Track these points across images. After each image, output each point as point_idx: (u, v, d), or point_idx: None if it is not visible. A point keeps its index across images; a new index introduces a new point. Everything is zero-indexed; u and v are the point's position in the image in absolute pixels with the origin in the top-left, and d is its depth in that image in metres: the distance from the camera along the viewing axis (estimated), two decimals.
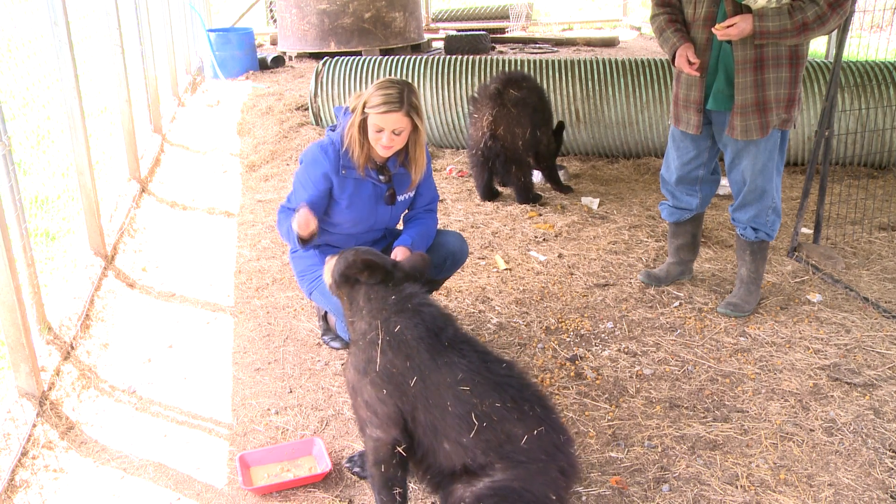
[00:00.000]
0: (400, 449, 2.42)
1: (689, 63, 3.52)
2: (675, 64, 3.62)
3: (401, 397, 2.39)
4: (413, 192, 3.42)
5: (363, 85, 6.78)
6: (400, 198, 3.36)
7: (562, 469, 2.38)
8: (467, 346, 2.48)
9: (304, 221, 3.03)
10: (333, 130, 3.29)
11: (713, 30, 3.44)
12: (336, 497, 2.72)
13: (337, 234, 3.37)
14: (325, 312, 3.62)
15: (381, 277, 2.62)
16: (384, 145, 3.11)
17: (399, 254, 3.20)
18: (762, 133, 3.51)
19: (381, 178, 3.27)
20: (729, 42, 3.47)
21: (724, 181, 5.08)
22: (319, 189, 3.22)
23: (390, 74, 6.75)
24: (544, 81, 6.31)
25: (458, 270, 4.39)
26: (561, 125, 5.74)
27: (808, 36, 3.38)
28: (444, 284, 4.21)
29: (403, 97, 3.05)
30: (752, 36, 3.38)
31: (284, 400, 3.26)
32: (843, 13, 3.35)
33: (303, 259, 3.42)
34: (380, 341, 2.43)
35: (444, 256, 3.49)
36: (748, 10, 3.37)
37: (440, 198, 5.60)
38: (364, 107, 3.08)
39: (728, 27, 3.36)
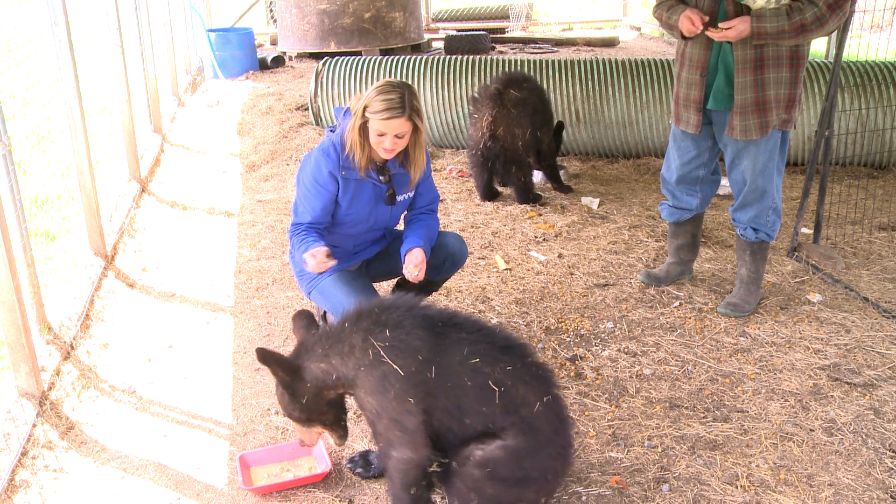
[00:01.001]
0: (431, 468, 2.40)
1: (698, 21, 3.39)
2: (680, 26, 3.48)
3: (425, 396, 2.34)
4: (412, 192, 3.42)
5: (363, 85, 6.78)
6: (399, 198, 3.36)
7: (561, 446, 2.42)
8: (459, 318, 2.48)
9: (321, 264, 3.04)
10: (333, 131, 3.29)
11: (707, 32, 3.43)
12: (336, 497, 2.72)
13: (337, 235, 3.37)
14: (325, 312, 3.62)
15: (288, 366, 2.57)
16: (386, 149, 3.11)
17: (415, 257, 3.19)
18: (762, 133, 3.51)
19: (381, 178, 3.27)
20: (729, 42, 3.47)
21: (724, 181, 5.08)
22: (330, 191, 3.20)
23: (390, 74, 6.75)
24: (544, 81, 6.31)
25: (458, 270, 4.39)
26: (560, 125, 5.74)
27: (807, 37, 3.37)
28: (445, 284, 4.22)
29: (405, 102, 3.03)
30: (749, 37, 3.38)
31: None
32: (843, 14, 3.34)
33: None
34: (383, 353, 2.36)
35: (444, 258, 3.49)
36: (748, 10, 3.37)
37: (440, 198, 5.60)
38: (364, 111, 3.06)
39: (726, 29, 3.36)
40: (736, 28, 3.34)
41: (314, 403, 2.55)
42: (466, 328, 2.44)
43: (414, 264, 3.19)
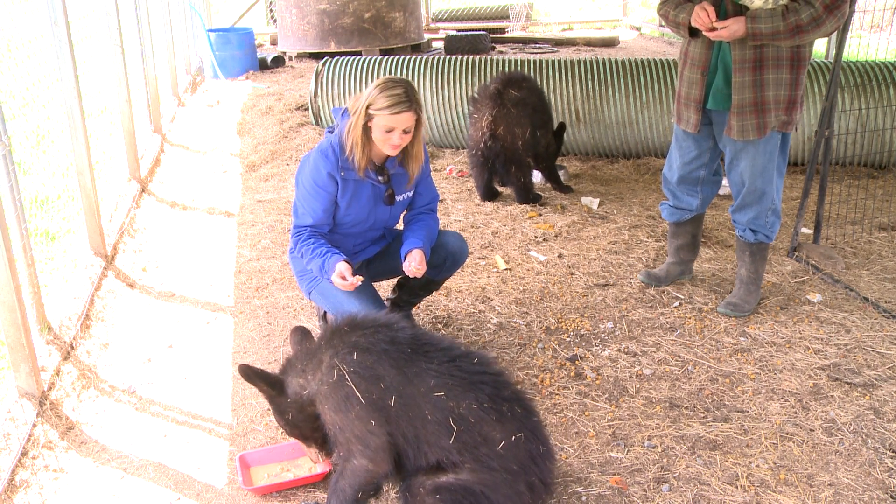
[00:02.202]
0: (384, 483, 2.43)
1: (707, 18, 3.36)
2: (693, 19, 3.44)
3: (387, 421, 2.35)
4: (412, 192, 3.42)
5: (363, 85, 6.78)
6: (399, 197, 3.36)
7: (531, 484, 2.36)
8: (431, 346, 2.44)
9: (351, 284, 3.05)
10: (332, 132, 3.28)
11: (703, 31, 3.43)
12: None
13: (336, 235, 3.37)
14: (325, 312, 3.62)
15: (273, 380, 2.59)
16: (393, 144, 3.10)
17: (415, 258, 3.19)
18: (759, 134, 3.51)
19: (380, 178, 3.26)
20: (727, 41, 3.47)
21: (724, 181, 5.08)
22: (329, 192, 3.19)
23: (390, 74, 6.75)
24: (544, 81, 6.32)
25: (458, 270, 4.39)
26: (562, 126, 5.74)
27: (804, 38, 3.34)
28: (445, 285, 4.22)
29: (410, 96, 3.04)
30: (745, 37, 3.37)
31: None
32: (841, 15, 3.32)
33: (300, 259, 3.41)
34: (347, 377, 2.37)
35: (444, 257, 3.49)
36: (747, 10, 3.37)
37: (440, 198, 5.60)
38: (367, 109, 3.05)
39: (721, 28, 3.36)
40: (729, 28, 3.33)
41: (299, 419, 2.57)
42: (437, 357, 2.40)
43: (415, 265, 3.19)
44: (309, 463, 2.89)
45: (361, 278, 3.11)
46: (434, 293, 4.08)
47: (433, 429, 2.32)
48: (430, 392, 2.34)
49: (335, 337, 2.48)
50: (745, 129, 3.51)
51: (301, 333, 2.69)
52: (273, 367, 3.50)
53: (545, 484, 2.42)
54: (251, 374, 2.54)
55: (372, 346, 2.40)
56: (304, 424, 2.58)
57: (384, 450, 2.37)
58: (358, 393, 2.34)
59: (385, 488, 2.62)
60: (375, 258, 3.54)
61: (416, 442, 2.35)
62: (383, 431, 2.35)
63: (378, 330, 2.46)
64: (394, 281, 3.76)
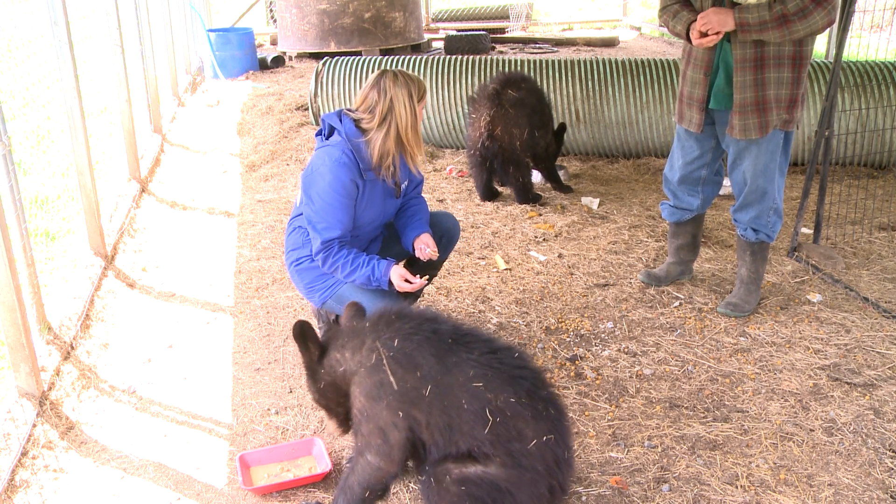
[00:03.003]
0: (392, 484, 2.44)
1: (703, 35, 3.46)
2: (691, 37, 3.53)
3: (418, 410, 2.34)
4: (407, 180, 3.42)
5: (363, 85, 6.76)
6: (402, 187, 3.39)
7: (552, 488, 2.36)
8: (472, 337, 2.45)
9: (416, 285, 3.08)
10: (328, 138, 3.23)
11: (695, 43, 3.47)
12: None
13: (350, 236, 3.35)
14: (336, 317, 3.55)
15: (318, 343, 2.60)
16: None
17: (428, 243, 3.26)
18: (761, 132, 3.51)
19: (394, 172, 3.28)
20: (729, 40, 3.47)
21: (725, 181, 5.07)
22: (353, 198, 3.18)
23: None
24: (544, 82, 6.32)
25: (459, 270, 4.39)
26: (562, 126, 5.74)
27: (792, 28, 3.31)
28: (445, 285, 4.22)
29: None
30: (735, 30, 3.37)
31: (284, 400, 3.26)
32: (832, 9, 3.30)
33: (309, 270, 3.34)
34: (385, 362, 2.37)
35: (440, 234, 3.51)
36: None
37: (440, 198, 5.60)
38: (412, 111, 3.14)
39: (709, 31, 3.38)
40: (710, 20, 3.35)
41: (330, 392, 2.58)
42: (478, 349, 2.40)
43: (429, 251, 3.26)
44: (309, 463, 2.90)
45: (427, 277, 3.14)
46: (434, 293, 4.09)
47: (468, 418, 2.32)
48: (469, 382, 2.33)
49: (381, 322, 2.47)
50: (747, 128, 3.51)
51: (355, 309, 2.67)
52: (272, 367, 3.51)
53: (563, 490, 2.42)
54: (303, 334, 2.55)
55: (414, 335, 2.41)
56: (332, 397, 2.60)
57: (400, 447, 2.37)
58: (392, 379, 2.34)
59: (392, 490, 2.62)
60: (380, 252, 3.54)
61: (449, 431, 2.34)
62: (405, 426, 2.35)
63: (423, 321, 2.47)
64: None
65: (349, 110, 3.24)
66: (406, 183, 3.40)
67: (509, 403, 2.31)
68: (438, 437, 2.35)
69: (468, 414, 2.31)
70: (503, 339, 2.67)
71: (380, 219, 3.37)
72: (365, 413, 2.41)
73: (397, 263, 3.16)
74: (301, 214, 3.31)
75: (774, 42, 3.39)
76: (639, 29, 14.52)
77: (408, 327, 2.43)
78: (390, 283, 3.11)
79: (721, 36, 3.41)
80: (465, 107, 6.28)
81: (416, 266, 3.53)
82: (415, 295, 3.67)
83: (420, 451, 2.42)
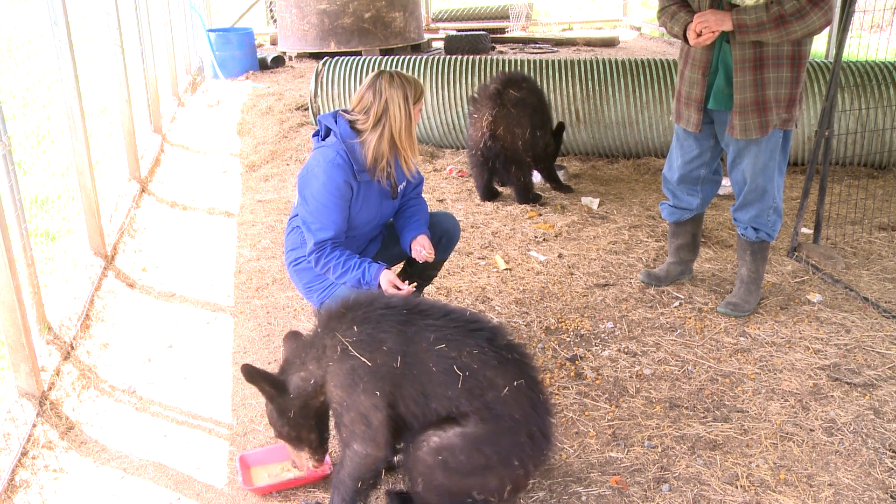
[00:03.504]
0: (383, 469, 2.46)
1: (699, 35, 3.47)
2: (688, 37, 3.53)
3: (392, 387, 2.38)
4: (405, 181, 3.42)
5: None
6: (399, 188, 3.38)
7: (531, 434, 2.38)
8: (424, 304, 2.51)
9: (407, 291, 3.06)
10: (324, 139, 3.23)
11: (692, 43, 3.48)
12: None
13: (346, 238, 3.35)
14: None
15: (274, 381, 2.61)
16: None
17: (424, 244, 3.25)
18: (762, 132, 3.51)
19: (389, 173, 3.28)
20: (728, 41, 3.48)
21: (724, 181, 5.08)
22: (347, 200, 3.18)
23: None
24: (544, 81, 6.31)
25: (459, 270, 4.39)
26: (561, 126, 5.74)
27: (790, 29, 3.31)
28: (445, 285, 4.22)
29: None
30: (733, 31, 3.38)
31: None
32: (827, 8, 3.30)
33: (307, 271, 3.34)
34: (350, 348, 2.40)
35: (439, 235, 3.51)
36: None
37: (440, 198, 5.60)
38: (407, 113, 3.11)
39: (705, 30, 3.39)
40: (707, 20, 3.37)
41: (301, 417, 2.59)
42: (433, 314, 2.45)
43: (425, 252, 3.25)
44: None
45: (415, 285, 3.12)
46: (433, 294, 4.08)
47: (440, 380, 2.35)
48: (432, 346, 2.37)
49: (332, 321, 2.51)
50: (747, 128, 3.51)
51: (293, 336, 2.71)
52: (273, 368, 3.50)
53: (545, 436, 2.44)
54: (253, 374, 2.55)
55: (369, 316, 2.45)
56: (304, 422, 2.60)
57: (384, 428, 2.39)
58: (363, 359, 2.38)
59: (384, 477, 2.62)
60: (378, 254, 3.54)
61: (424, 399, 2.37)
62: (385, 404, 2.38)
63: (372, 301, 2.51)
64: (397, 268, 3.75)
65: (345, 111, 3.23)
66: (404, 184, 3.40)
67: (474, 355, 2.36)
68: (416, 409, 2.39)
69: (438, 376, 2.35)
70: (453, 304, 2.70)
71: (376, 220, 3.36)
72: (344, 404, 2.43)
73: (389, 267, 3.15)
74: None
75: (773, 42, 3.39)
76: (639, 29, 14.52)
77: (361, 313, 2.46)
78: (380, 286, 3.11)
79: (717, 34, 3.42)
80: (466, 107, 6.28)
81: (415, 267, 3.53)
82: (430, 275, 3.68)
83: (403, 429, 2.44)
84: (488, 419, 2.32)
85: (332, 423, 2.62)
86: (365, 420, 2.40)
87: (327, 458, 2.84)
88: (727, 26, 3.36)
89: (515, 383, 2.36)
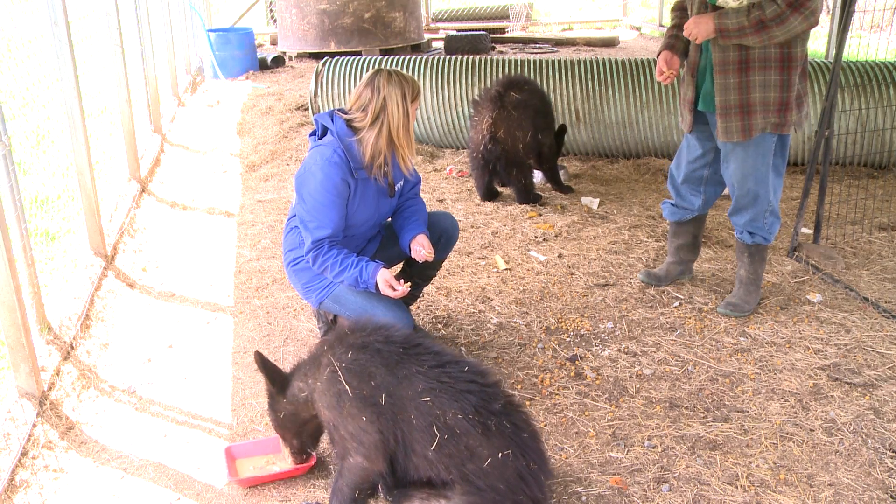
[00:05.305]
0: (380, 484, 2.46)
1: (662, 72, 3.65)
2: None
3: (379, 419, 2.35)
4: (402, 180, 3.42)
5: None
6: (396, 187, 3.38)
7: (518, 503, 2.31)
8: (423, 349, 2.45)
9: (403, 292, 3.07)
10: (322, 138, 3.22)
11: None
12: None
13: (344, 237, 3.35)
14: (335, 316, 3.54)
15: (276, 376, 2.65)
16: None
17: (423, 244, 3.25)
18: (744, 136, 3.50)
19: (386, 171, 3.27)
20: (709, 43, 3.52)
21: None
22: (345, 198, 3.17)
23: None
24: (544, 82, 6.31)
25: (459, 270, 4.39)
26: (563, 128, 5.74)
27: (771, 34, 3.31)
28: (445, 285, 4.22)
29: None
30: (716, 36, 3.39)
31: None
32: (808, 13, 3.27)
33: (306, 270, 3.34)
34: (339, 372, 2.41)
35: (438, 234, 3.51)
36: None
37: (440, 198, 5.60)
38: (404, 111, 3.11)
39: (686, 32, 3.45)
40: (690, 31, 3.43)
41: (289, 422, 2.65)
42: (429, 361, 2.39)
43: (425, 252, 3.25)
44: None
45: (409, 285, 3.12)
46: (433, 293, 4.08)
47: (418, 436, 2.31)
48: (418, 396, 2.32)
49: (337, 340, 2.53)
50: (728, 130, 3.52)
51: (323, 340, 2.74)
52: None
53: (536, 502, 2.37)
54: (261, 364, 2.62)
55: (367, 345, 2.44)
56: (292, 426, 2.67)
57: (377, 447, 2.38)
58: (348, 388, 2.37)
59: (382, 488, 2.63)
60: (376, 254, 3.54)
61: (404, 447, 2.36)
62: (375, 429, 2.36)
63: (375, 331, 2.50)
64: (397, 268, 3.75)
65: (341, 111, 3.24)
66: (402, 183, 3.40)
67: (457, 420, 2.28)
68: (397, 451, 2.38)
69: (417, 431, 2.31)
70: (455, 352, 2.68)
71: (374, 218, 3.36)
72: (332, 423, 2.46)
73: (386, 267, 3.15)
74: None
75: (756, 46, 3.39)
76: (639, 29, 14.52)
77: (360, 340, 2.47)
78: (377, 286, 3.11)
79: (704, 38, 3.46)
80: (466, 107, 6.28)
81: (414, 267, 3.53)
82: (413, 296, 3.67)
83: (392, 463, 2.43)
84: (469, 492, 2.26)
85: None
86: (356, 438, 2.40)
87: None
88: (711, 33, 3.39)
89: (501, 455, 2.28)
